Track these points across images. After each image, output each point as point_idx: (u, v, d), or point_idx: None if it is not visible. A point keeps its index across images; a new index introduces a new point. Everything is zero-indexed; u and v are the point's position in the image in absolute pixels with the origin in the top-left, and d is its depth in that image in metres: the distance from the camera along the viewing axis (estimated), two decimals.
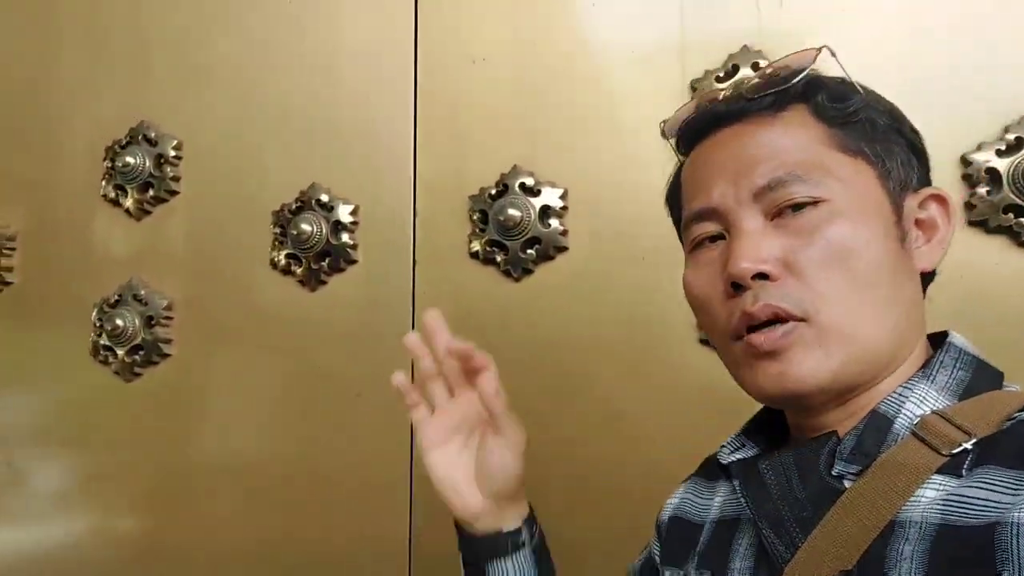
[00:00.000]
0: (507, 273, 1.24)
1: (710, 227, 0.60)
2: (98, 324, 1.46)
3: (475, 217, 1.26)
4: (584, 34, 1.25)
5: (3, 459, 1.51)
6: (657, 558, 0.74)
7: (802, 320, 0.54)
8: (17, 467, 1.50)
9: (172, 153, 1.45)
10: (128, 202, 1.47)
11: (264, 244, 1.39)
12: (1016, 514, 0.45)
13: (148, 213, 1.47)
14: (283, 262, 1.37)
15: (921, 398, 0.54)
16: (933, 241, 0.59)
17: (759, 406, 0.66)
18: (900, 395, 0.55)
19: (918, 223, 0.59)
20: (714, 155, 0.61)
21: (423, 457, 0.75)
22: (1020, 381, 0.57)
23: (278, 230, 1.38)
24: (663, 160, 0.70)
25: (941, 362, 0.56)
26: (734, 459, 0.63)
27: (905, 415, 0.54)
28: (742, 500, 0.59)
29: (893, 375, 0.56)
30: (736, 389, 0.61)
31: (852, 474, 0.54)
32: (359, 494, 1.31)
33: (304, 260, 1.35)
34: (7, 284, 1.55)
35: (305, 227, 1.33)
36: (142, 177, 1.46)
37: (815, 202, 0.55)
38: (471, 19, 1.30)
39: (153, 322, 1.42)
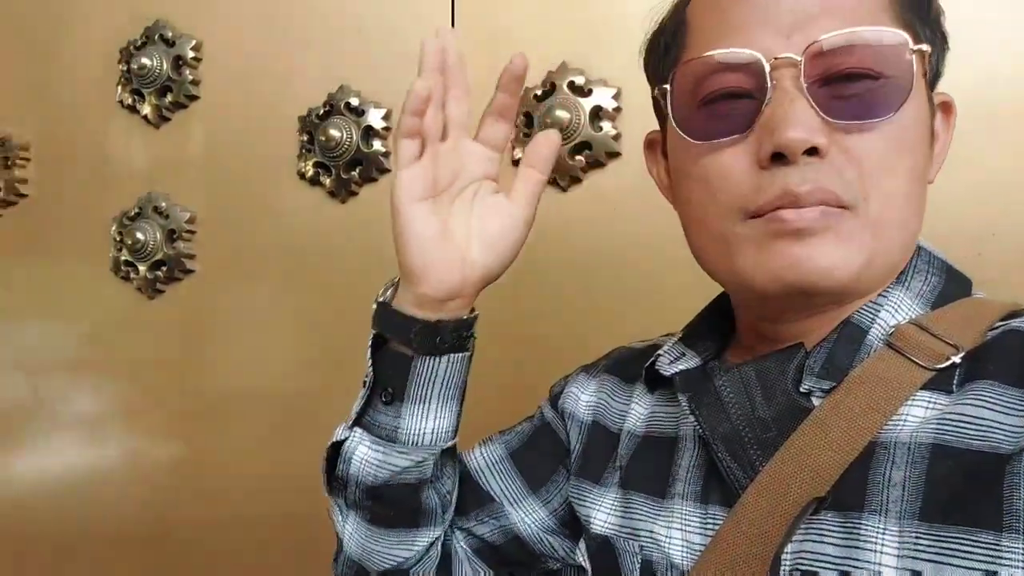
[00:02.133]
0: (553, 182, 1.14)
1: (740, 80, 0.48)
2: (118, 239, 1.38)
3: (520, 120, 1.16)
4: None
5: (28, 387, 1.46)
6: (570, 459, 0.66)
7: (847, 208, 0.46)
8: (42, 396, 1.45)
9: (191, 55, 1.35)
10: (146, 108, 1.38)
11: (290, 152, 1.30)
12: None
13: (167, 120, 1.38)
14: (311, 172, 1.28)
15: (896, 307, 0.49)
16: (934, 152, 0.52)
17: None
18: (875, 303, 0.49)
19: None
20: None
21: (399, 209, 0.56)
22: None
23: (305, 137, 1.28)
24: None
25: (915, 267, 0.51)
26: (678, 370, 0.55)
27: (879, 325, 0.48)
28: (692, 417, 0.51)
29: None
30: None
31: (823, 391, 0.47)
32: None
33: (333, 169, 1.26)
34: (22, 196, 1.47)
35: (334, 133, 1.23)
36: (160, 81, 1.36)
37: (880, 77, 0.46)
38: None
39: (175, 236, 1.34)
